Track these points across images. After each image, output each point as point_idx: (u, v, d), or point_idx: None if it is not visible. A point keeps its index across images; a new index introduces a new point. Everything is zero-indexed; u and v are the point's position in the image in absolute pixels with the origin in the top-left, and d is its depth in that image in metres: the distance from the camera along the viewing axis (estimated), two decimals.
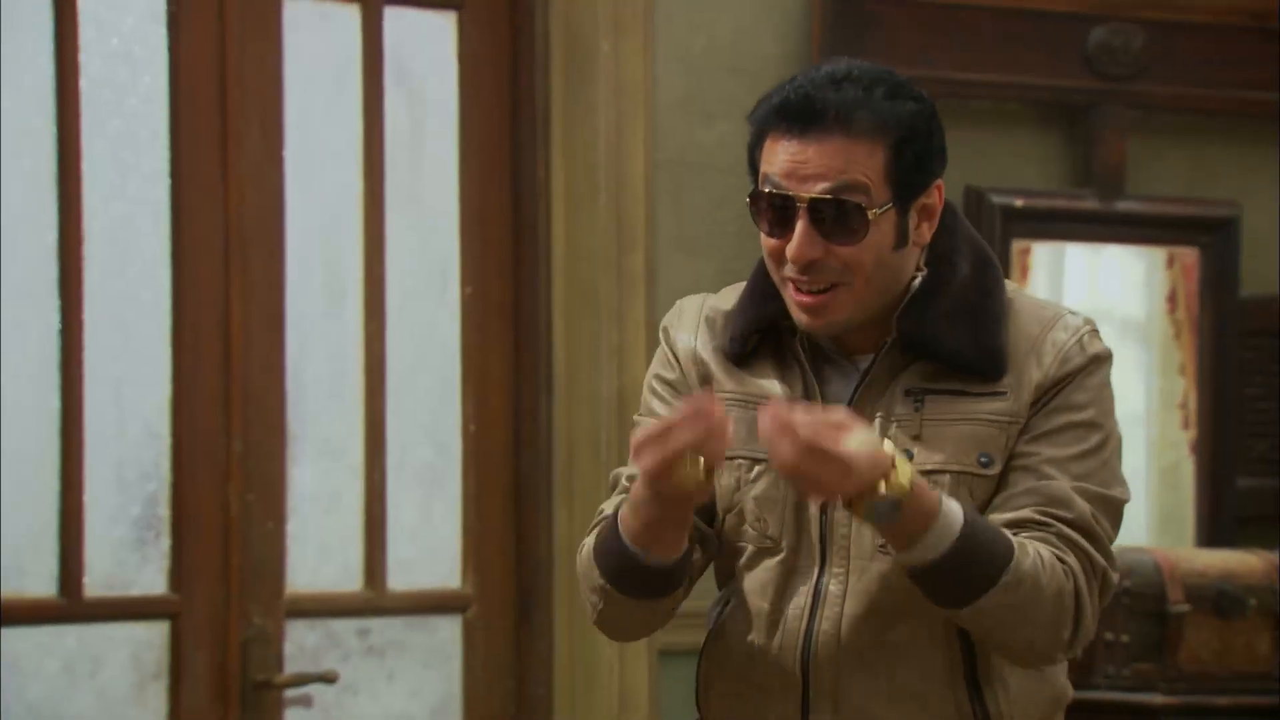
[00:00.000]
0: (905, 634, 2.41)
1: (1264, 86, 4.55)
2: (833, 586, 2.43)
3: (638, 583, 2.42)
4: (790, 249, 2.41)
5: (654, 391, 2.57)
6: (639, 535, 2.39)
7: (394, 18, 4.19)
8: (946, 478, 2.39)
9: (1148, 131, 4.56)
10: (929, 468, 2.39)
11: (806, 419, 2.24)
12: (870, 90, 2.39)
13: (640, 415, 2.58)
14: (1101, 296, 4.68)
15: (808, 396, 2.46)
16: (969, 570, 2.31)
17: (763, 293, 2.52)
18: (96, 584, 3.93)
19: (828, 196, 2.38)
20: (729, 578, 2.54)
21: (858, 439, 2.24)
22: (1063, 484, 2.37)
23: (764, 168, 2.45)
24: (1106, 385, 2.44)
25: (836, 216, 2.38)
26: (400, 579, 4.18)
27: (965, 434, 2.40)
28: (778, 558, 2.46)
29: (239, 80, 4.01)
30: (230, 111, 4.01)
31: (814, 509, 2.44)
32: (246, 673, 3.98)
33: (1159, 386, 4.66)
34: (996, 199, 4.45)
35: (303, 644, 4.09)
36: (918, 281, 2.44)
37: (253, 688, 3.98)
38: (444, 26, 4.25)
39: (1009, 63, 4.41)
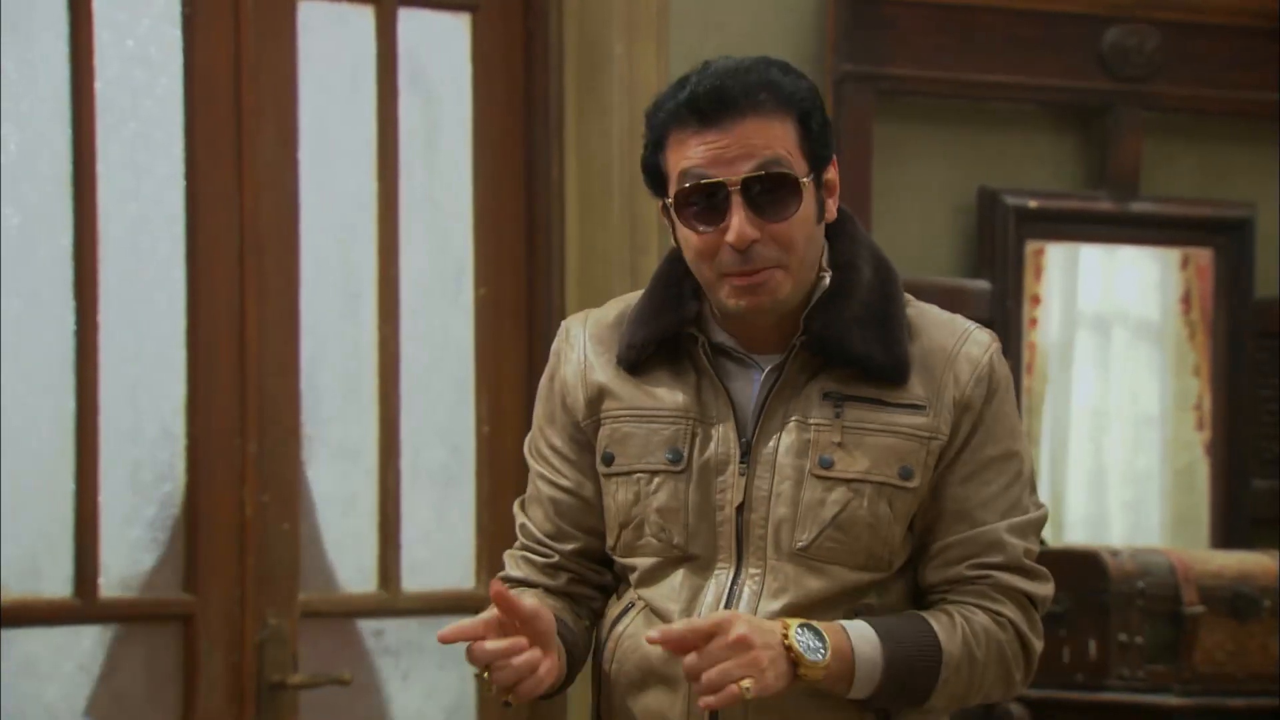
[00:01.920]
0: None
1: (1277, 88, 4.55)
2: (748, 586, 2.45)
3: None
4: (730, 234, 2.41)
5: (538, 446, 2.60)
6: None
7: (408, 19, 4.19)
8: (868, 488, 2.43)
9: (1162, 132, 4.55)
10: (851, 476, 2.43)
11: (693, 625, 2.31)
12: (766, 72, 2.44)
13: (529, 455, 2.61)
14: (1116, 298, 4.68)
15: (713, 401, 2.48)
16: (907, 687, 2.40)
17: (663, 302, 2.52)
18: (112, 585, 3.93)
19: (760, 173, 2.41)
20: (627, 588, 2.55)
21: (745, 622, 2.32)
22: (995, 528, 2.44)
23: (674, 169, 2.45)
24: (1013, 402, 2.50)
25: (770, 191, 2.41)
26: (415, 580, 4.18)
27: (887, 445, 2.44)
28: (686, 564, 2.49)
29: (254, 82, 4.01)
30: (245, 113, 4.01)
31: (728, 510, 2.46)
32: (262, 674, 3.98)
33: (1173, 388, 4.66)
34: (1011, 200, 4.44)
35: (317, 645, 4.09)
36: (826, 280, 2.48)
37: (268, 688, 3.99)
38: (458, 28, 4.26)
39: (1023, 64, 4.41)
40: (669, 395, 2.50)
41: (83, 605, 3.90)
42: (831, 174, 2.48)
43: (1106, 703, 4.11)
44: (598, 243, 4.18)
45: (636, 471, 2.50)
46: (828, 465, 2.44)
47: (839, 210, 2.51)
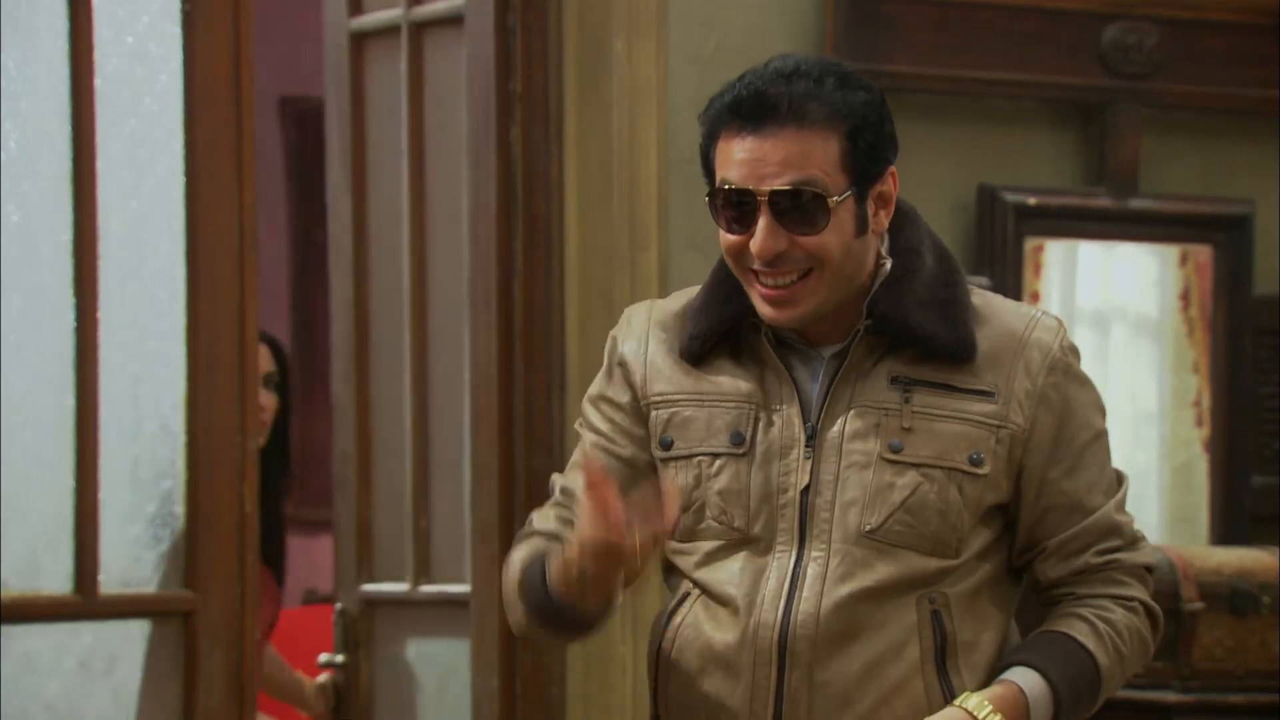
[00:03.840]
0: (881, 617, 2.44)
1: (1277, 85, 4.55)
2: (812, 569, 2.46)
3: (562, 626, 2.49)
4: (754, 244, 2.43)
5: (598, 409, 2.60)
6: (566, 590, 2.43)
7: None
8: (939, 473, 2.44)
9: (1161, 129, 4.56)
10: (921, 460, 2.44)
11: None
12: (820, 82, 2.43)
13: (581, 428, 2.62)
14: (1115, 294, 4.68)
15: (777, 388, 2.49)
16: (1075, 714, 2.49)
17: (725, 293, 2.54)
18: (112, 581, 3.93)
19: (787, 188, 2.41)
20: (681, 578, 2.55)
21: None
22: (1107, 512, 2.49)
23: (719, 167, 2.48)
24: (1091, 384, 2.53)
25: (797, 208, 2.42)
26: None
27: (957, 432, 2.45)
28: (748, 547, 2.49)
29: (254, 79, 4.02)
30: (245, 110, 4.02)
31: (791, 493, 2.47)
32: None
33: (1172, 384, 4.66)
34: (1010, 197, 4.45)
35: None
36: (887, 267, 2.48)
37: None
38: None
39: (1023, 61, 4.41)
40: (731, 383, 2.51)
41: (83, 602, 3.89)
42: (884, 187, 2.47)
43: (1106, 699, 4.11)
44: (597, 240, 4.19)
45: (698, 454, 2.50)
46: (897, 449, 2.45)
47: (900, 204, 2.51)
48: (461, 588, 4.43)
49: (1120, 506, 2.50)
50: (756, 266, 2.45)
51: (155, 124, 3.99)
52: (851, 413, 2.46)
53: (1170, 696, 4.15)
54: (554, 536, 2.54)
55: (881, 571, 2.44)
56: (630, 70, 4.17)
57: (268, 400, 4.06)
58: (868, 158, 2.44)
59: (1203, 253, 4.63)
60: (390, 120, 4.56)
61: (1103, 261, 4.67)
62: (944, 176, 4.48)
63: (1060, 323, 2.52)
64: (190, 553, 3.98)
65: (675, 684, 2.53)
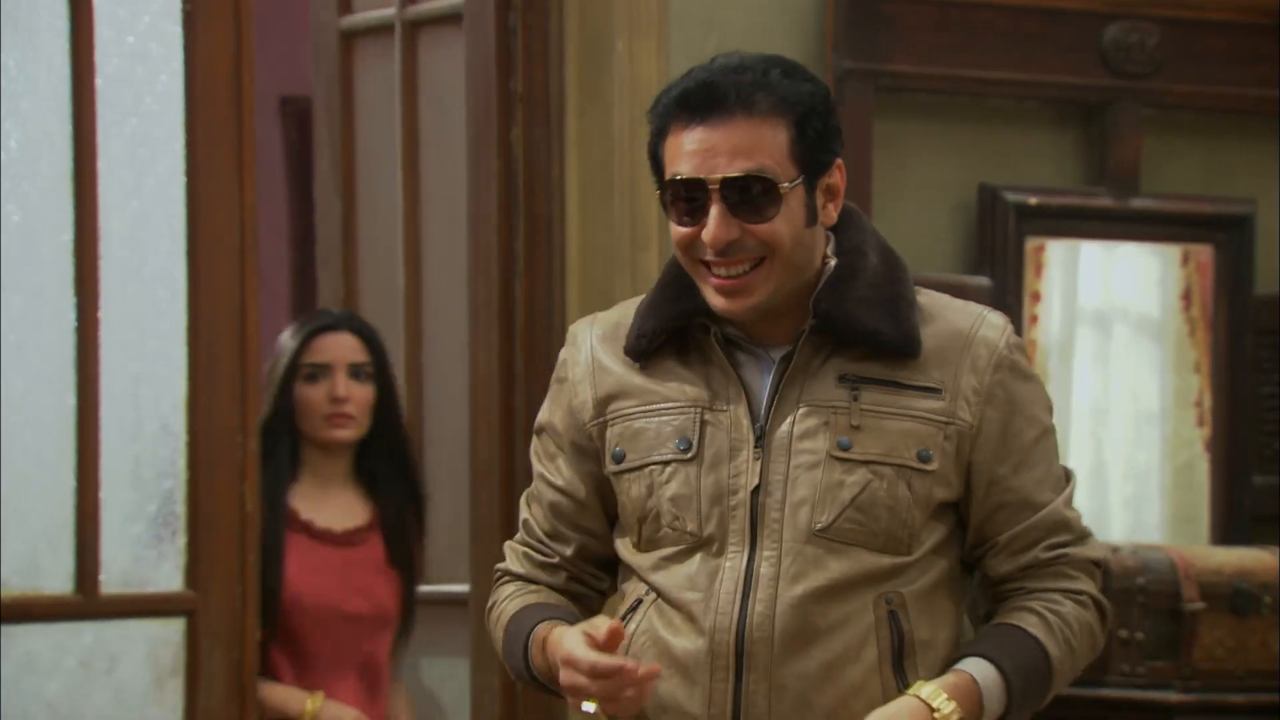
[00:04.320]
0: (837, 616, 2.44)
1: (1278, 84, 4.55)
2: (764, 569, 2.45)
3: (543, 687, 2.55)
4: (706, 233, 2.44)
5: (540, 439, 2.63)
6: (548, 676, 2.51)
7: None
8: (888, 470, 2.44)
9: (1163, 129, 4.56)
10: (870, 458, 2.44)
11: None
12: (766, 73, 2.44)
13: (533, 458, 2.63)
14: (1116, 294, 4.68)
15: (724, 388, 2.50)
16: (1026, 704, 2.49)
17: (674, 292, 2.54)
18: (113, 581, 3.93)
19: (738, 175, 2.42)
20: (636, 583, 2.55)
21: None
22: (1056, 507, 2.50)
23: (669, 161, 2.47)
24: (1038, 380, 2.54)
25: (748, 196, 2.43)
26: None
27: (905, 429, 2.45)
28: (701, 550, 2.49)
29: (255, 78, 4.02)
30: (245, 110, 4.02)
31: (742, 494, 2.47)
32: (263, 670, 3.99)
33: (1173, 384, 4.66)
34: (1011, 196, 4.45)
35: None
36: (831, 266, 2.49)
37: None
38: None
39: (1024, 61, 4.41)
40: (678, 387, 2.51)
41: (84, 601, 3.90)
42: (831, 179, 2.48)
43: (1107, 699, 4.12)
44: (598, 240, 4.19)
45: (649, 464, 2.51)
46: (846, 447, 2.45)
47: (844, 205, 2.52)
48: (461, 587, 4.43)
49: (1068, 502, 2.51)
50: (709, 257, 2.45)
51: (156, 124, 3.99)
52: (800, 411, 2.47)
53: (1171, 696, 4.15)
54: (529, 581, 2.62)
55: (834, 570, 2.44)
56: (631, 70, 4.17)
57: (359, 392, 3.94)
58: (816, 147, 2.45)
59: (1204, 252, 4.63)
60: (382, 119, 4.56)
61: (1104, 261, 4.67)
62: (945, 176, 4.47)
63: (1006, 320, 2.52)
64: (191, 552, 3.98)
65: None
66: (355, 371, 3.94)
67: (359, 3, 4.67)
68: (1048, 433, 2.51)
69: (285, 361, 3.96)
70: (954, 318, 2.50)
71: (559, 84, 4.19)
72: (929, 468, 2.45)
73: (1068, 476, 2.54)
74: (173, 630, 3.97)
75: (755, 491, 2.47)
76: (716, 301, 2.47)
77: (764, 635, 2.44)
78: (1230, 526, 4.59)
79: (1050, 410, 2.53)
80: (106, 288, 3.93)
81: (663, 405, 2.51)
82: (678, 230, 2.46)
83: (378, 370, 3.96)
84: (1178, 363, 4.65)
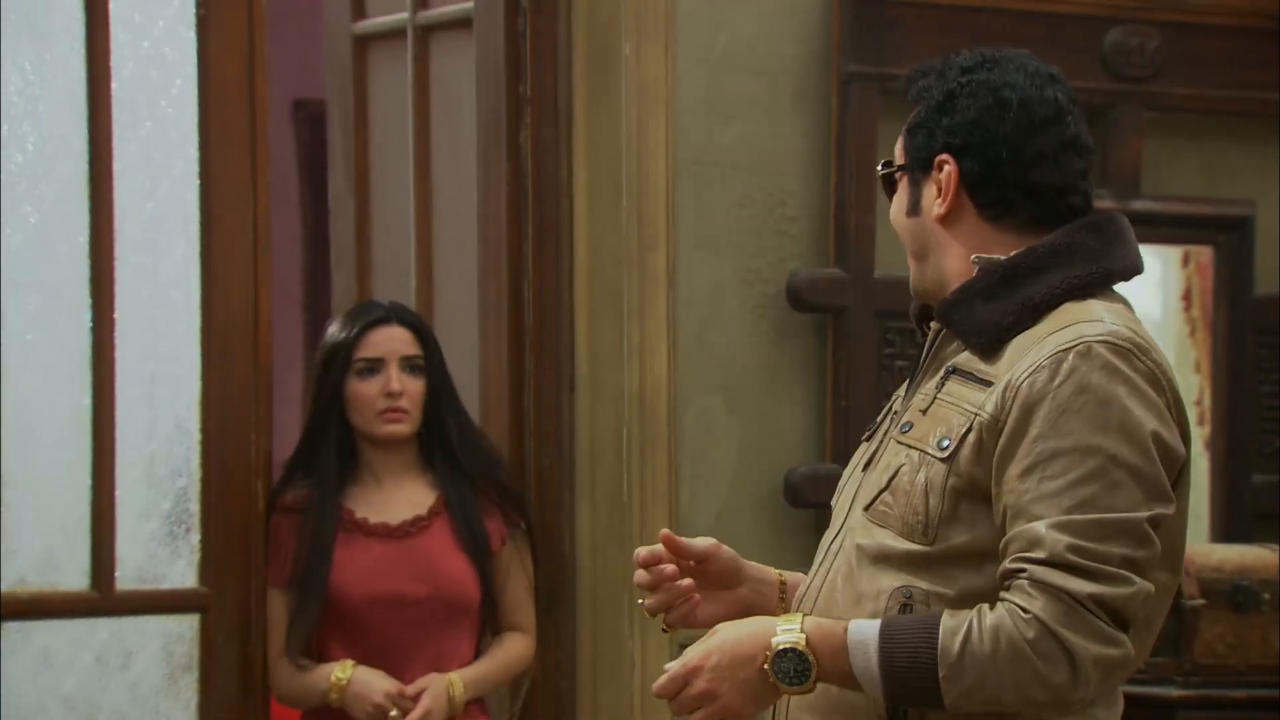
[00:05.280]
0: (856, 595, 2.47)
1: (1278, 87, 4.57)
2: (833, 543, 2.57)
3: None
4: None
5: None
6: None
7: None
8: (916, 455, 2.45)
9: (1163, 132, 4.58)
10: (911, 442, 2.46)
11: (671, 675, 2.43)
12: (941, 64, 2.54)
13: None
14: None
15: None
16: (912, 687, 2.33)
17: None
18: (128, 578, 3.96)
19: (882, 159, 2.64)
20: None
21: (712, 669, 2.40)
22: (1039, 525, 2.31)
23: None
24: (1102, 403, 2.34)
25: (884, 177, 2.63)
26: None
27: (948, 417, 2.43)
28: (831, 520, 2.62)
29: (268, 82, 4.05)
30: (259, 113, 4.05)
31: (853, 475, 2.59)
32: None
33: None
34: None
35: None
36: (985, 260, 2.49)
37: None
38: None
39: None
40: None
41: (99, 598, 3.93)
42: (938, 175, 2.51)
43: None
44: (606, 241, 4.20)
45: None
46: (905, 431, 2.49)
47: (1100, 213, 2.52)
48: None
49: (1077, 530, 2.30)
50: None
51: (171, 127, 4.03)
52: (914, 399, 2.52)
53: (1173, 692, 4.17)
54: None
55: (864, 546, 2.47)
56: (639, 72, 4.19)
57: (412, 386, 3.86)
58: (916, 140, 2.54)
59: (1204, 253, 4.65)
60: (395, 122, 4.58)
61: None
62: None
63: (1103, 336, 2.37)
64: (205, 549, 4.01)
65: None
66: (408, 365, 3.88)
67: (372, 8, 4.69)
68: (1088, 452, 2.31)
69: (339, 357, 3.87)
70: (1060, 323, 2.40)
71: (567, 87, 4.21)
72: (941, 455, 2.41)
73: (1113, 511, 2.30)
74: (186, 626, 4.00)
75: (866, 470, 2.57)
76: None
77: (808, 607, 2.52)
78: (1230, 524, 4.61)
79: (1109, 433, 2.31)
80: (122, 289, 3.96)
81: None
82: None
83: (428, 362, 3.90)
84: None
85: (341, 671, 3.75)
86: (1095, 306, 2.43)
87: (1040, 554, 2.31)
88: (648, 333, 4.19)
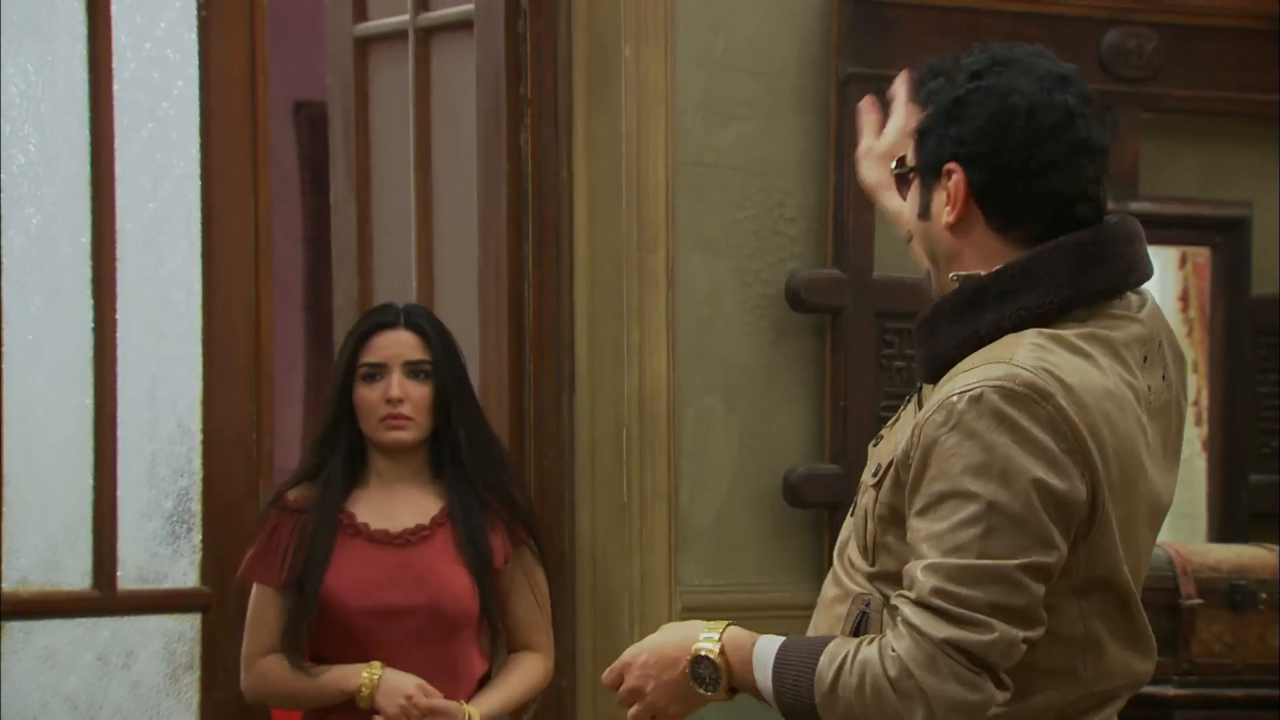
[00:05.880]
0: (831, 597, 2.53)
1: (1276, 89, 4.57)
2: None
3: None
4: None
5: None
6: None
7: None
8: (866, 478, 2.52)
9: (1161, 133, 4.57)
10: (870, 464, 2.53)
11: (612, 669, 2.51)
12: (952, 63, 2.51)
13: None
14: None
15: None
16: (796, 709, 2.39)
17: None
18: (130, 577, 3.97)
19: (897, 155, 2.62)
20: None
21: (641, 666, 2.47)
22: (916, 565, 2.34)
23: None
24: (985, 449, 2.33)
25: (897, 172, 2.61)
26: None
27: (892, 444, 2.47)
28: None
29: (269, 83, 4.06)
30: (260, 115, 4.06)
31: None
32: None
33: None
34: None
35: None
36: (962, 277, 2.48)
37: None
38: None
39: None
40: None
41: (101, 597, 3.94)
42: (948, 183, 2.47)
43: None
44: (606, 242, 4.20)
45: None
46: (876, 444, 2.55)
47: (1086, 233, 2.46)
48: None
49: (947, 573, 2.31)
50: None
51: (172, 128, 4.04)
52: (906, 410, 2.56)
53: (1169, 691, 4.17)
54: None
55: (845, 557, 2.54)
56: (638, 74, 4.19)
57: (416, 392, 3.71)
58: (924, 144, 2.49)
59: (1201, 254, 4.65)
60: (395, 123, 4.59)
61: None
62: None
63: (1002, 376, 2.34)
64: (206, 549, 4.02)
65: None
66: (412, 371, 3.73)
67: (373, 9, 4.70)
68: (966, 498, 2.32)
69: (345, 362, 3.75)
70: (981, 358, 2.39)
71: (567, 89, 4.21)
72: (871, 483, 2.47)
73: (992, 555, 2.31)
74: (188, 625, 4.00)
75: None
76: None
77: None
78: (1228, 524, 4.61)
79: (990, 479, 2.32)
80: (123, 289, 3.97)
81: None
82: None
83: (436, 368, 3.74)
84: None
85: (370, 673, 3.62)
86: (1022, 341, 2.39)
87: (911, 594, 2.35)
88: (647, 333, 4.19)
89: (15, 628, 3.87)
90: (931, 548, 2.33)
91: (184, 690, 4.01)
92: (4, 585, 3.85)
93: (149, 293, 4.01)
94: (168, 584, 4.00)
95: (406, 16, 4.55)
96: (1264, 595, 4.23)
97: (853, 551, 2.51)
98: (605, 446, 4.20)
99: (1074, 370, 2.37)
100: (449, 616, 3.69)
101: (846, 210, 4.26)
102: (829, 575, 2.57)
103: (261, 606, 3.68)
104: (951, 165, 2.46)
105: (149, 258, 4.01)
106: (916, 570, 2.34)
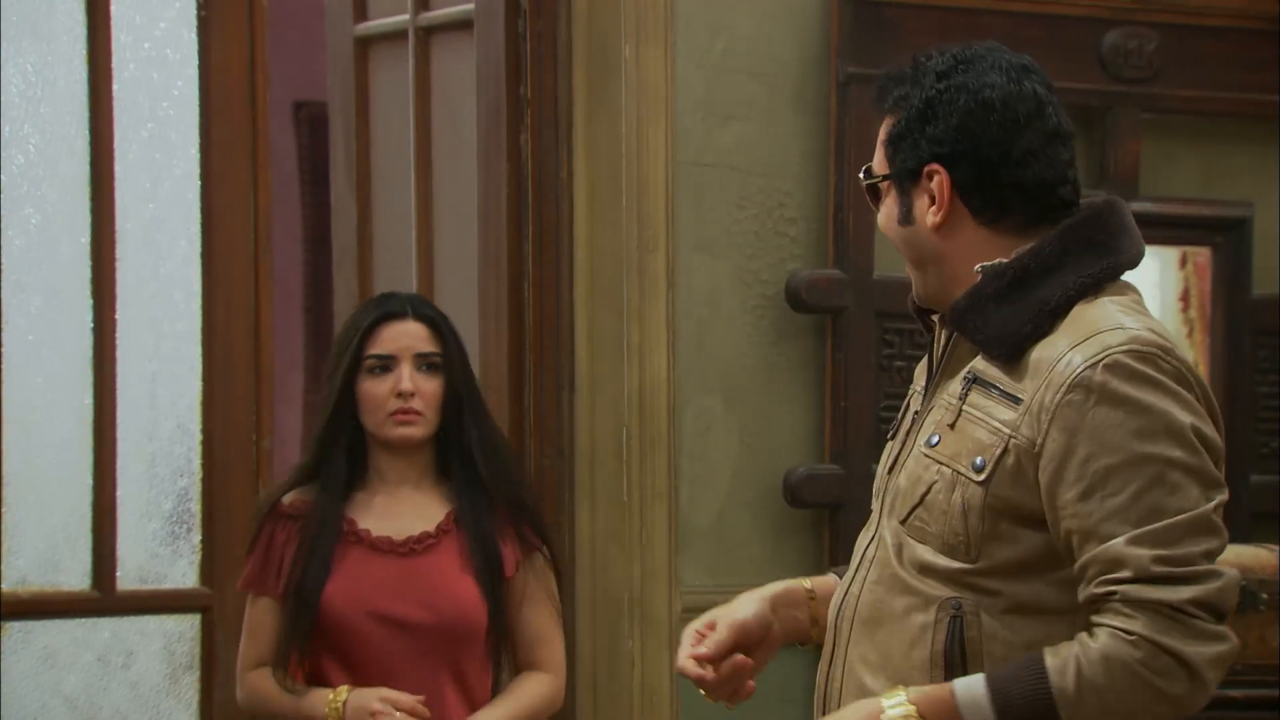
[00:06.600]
0: (900, 608, 2.45)
1: (1276, 89, 4.57)
2: (870, 550, 2.52)
3: None
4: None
5: None
6: None
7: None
8: (949, 474, 2.43)
9: (1161, 133, 4.58)
10: (943, 459, 2.44)
11: None
12: (914, 70, 2.50)
13: None
14: None
15: (928, 372, 2.58)
16: None
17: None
18: (130, 578, 3.98)
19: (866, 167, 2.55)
20: None
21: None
22: (1116, 543, 2.31)
23: None
24: (1142, 411, 2.34)
25: (869, 187, 2.55)
26: None
27: (976, 436, 2.41)
28: (866, 524, 2.60)
29: (269, 83, 4.07)
30: (260, 115, 4.06)
31: (885, 476, 2.55)
32: None
33: None
34: None
35: None
36: (990, 265, 2.47)
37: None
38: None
39: None
40: (919, 372, 2.62)
41: (101, 598, 3.94)
42: (929, 185, 2.47)
43: None
44: (606, 242, 4.20)
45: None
46: (933, 445, 2.46)
47: (1098, 201, 2.49)
48: None
49: (1152, 540, 2.29)
50: None
51: (172, 128, 4.04)
52: (935, 403, 2.50)
53: None
54: None
55: (906, 562, 2.45)
56: (639, 75, 4.19)
57: (426, 386, 3.49)
58: (900, 149, 2.48)
59: (1202, 255, 4.65)
60: (396, 124, 4.59)
61: None
62: None
63: (1126, 340, 2.36)
64: (206, 550, 4.02)
65: None
66: (423, 363, 3.50)
67: (373, 10, 4.70)
68: (1141, 461, 2.32)
69: (349, 353, 3.50)
70: (1073, 329, 2.39)
71: (567, 89, 4.22)
72: (978, 478, 2.39)
73: (1176, 513, 2.30)
74: (188, 626, 4.01)
75: (890, 474, 2.54)
76: None
77: (849, 615, 2.50)
78: (1228, 524, 4.55)
79: (1150, 438, 2.32)
80: (123, 289, 3.97)
81: (910, 391, 2.63)
82: None
83: (446, 360, 3.53)
84: None
85: (336, 696, 3.39)
86: (1110, 308, 2.42)
87: (1126, 572, 2.30)
88: (647, 333, 4.20)
89: (15, 628, 3.88)
90: (1119, 523, 2.31)
91: (183, 691, 4.02)
92: (4, 585, 3.85)
93: (149, 293, 4.01)
94: (167, 584, 4.01)
95: (407, 16, 4.55)
96: (1264, 595, 4.23)
97: (926, 554, 2.44)
98: (605, 447, 4.20)
99: (1161, 329, 2.42)
100: (456, 631, 3.47)
101: (847, 210, 4.27)
102: (880, 588, 2.48)
103: (258, 616, 3.49)
104: (933, 166, 2.46)
105: (149, 258, 4.01)
106: (1119, 548, 2.30)
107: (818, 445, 4.31)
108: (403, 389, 3.47)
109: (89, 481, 3.94)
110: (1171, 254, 4.66)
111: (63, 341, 3.95)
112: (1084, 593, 2.34)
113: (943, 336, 2.55)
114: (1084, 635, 2.32)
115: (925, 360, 2.61)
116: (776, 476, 4.28)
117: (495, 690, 3.56)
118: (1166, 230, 4.58)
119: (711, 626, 2.60)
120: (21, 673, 3.88)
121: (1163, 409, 2.34)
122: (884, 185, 2.51)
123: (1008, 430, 2.38)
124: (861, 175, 2.55)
